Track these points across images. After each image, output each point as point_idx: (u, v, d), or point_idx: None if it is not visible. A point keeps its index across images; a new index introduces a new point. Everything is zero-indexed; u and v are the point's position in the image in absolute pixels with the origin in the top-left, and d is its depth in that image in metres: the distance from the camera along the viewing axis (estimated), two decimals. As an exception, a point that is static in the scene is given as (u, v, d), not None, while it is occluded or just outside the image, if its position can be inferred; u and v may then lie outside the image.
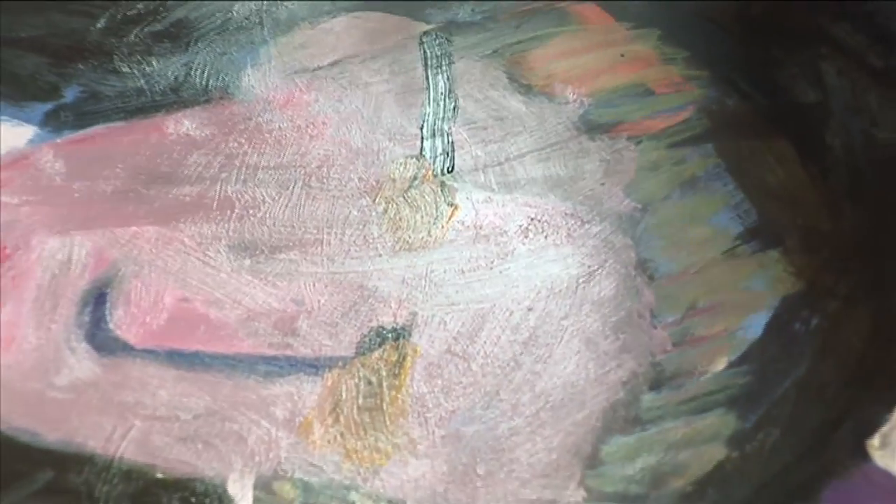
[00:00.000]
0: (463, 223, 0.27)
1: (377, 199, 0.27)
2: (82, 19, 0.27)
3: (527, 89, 0.28)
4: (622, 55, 0.29)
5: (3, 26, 0.27)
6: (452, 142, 0.28)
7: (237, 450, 0.24)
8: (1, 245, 0.26)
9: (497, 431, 0.24)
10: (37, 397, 0.24)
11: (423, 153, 0.28)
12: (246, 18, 0.29)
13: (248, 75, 0.28)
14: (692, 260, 0.26)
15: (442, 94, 0.28)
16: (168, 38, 0.28)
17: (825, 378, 0.24)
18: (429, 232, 0.27)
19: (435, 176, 0.27)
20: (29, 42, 0.27)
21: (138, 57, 0.28)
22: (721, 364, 0.25)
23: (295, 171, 0.27)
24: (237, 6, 0.29)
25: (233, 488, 0.24)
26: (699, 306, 0.26)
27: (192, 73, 0.28)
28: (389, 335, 0.25)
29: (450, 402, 0.25)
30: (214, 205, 0.27)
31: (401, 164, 0.28)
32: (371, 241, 0.27)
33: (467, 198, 0.27)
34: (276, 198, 0.27)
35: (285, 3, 0.29)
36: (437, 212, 0.27)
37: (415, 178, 0.27)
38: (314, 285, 0.26)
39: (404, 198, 0.27)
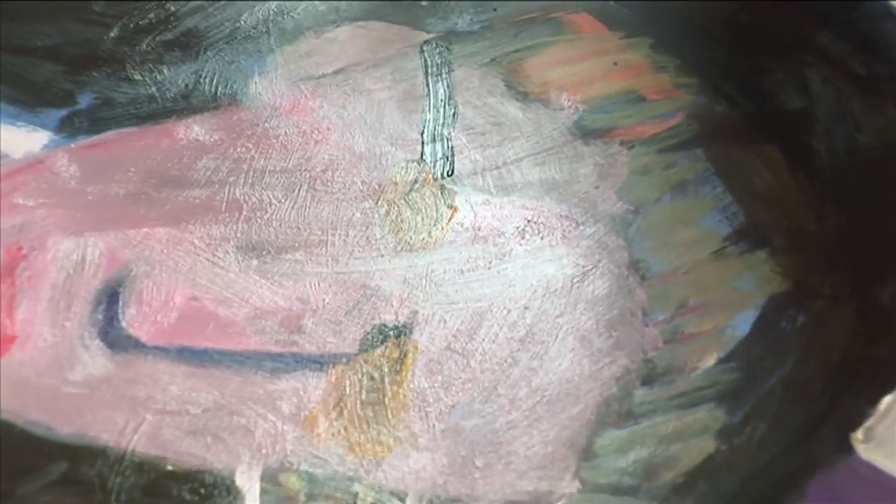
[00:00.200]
0: (462, 225, 0.27)
1: (379, 202, 0.27)
2: (96, 29, 0.27)
3: (523, 96, 0.28)
4: (615, 63, 0.28)
5: (20, 35, 0.27)
6: (452, 147, 0.28)
7: (245, 443, 0.24)
8: (18, 246, 0.26)
9: (495, 425, 0.25)
10: (52, 392, 0.24)
11: (424, 157, 0.28)
12: (253, 28, 0.28)
13: (256, 83, 0.28)
14: (682, 260, 0.26)
15: (442, 100, 0.28)
16: (179, 47, 0.28)
17: (811, 374, 0.24)
18: (429, 233, 0.27)
19: (435, 179, 0.28)
20: (45, 51, 0.27)
21: (150, 65, 0.28)
22: (710, 361, 0.25)
23: (300, 174, 0.27)
24: (245, 16, 0.28)
25: (240, 480, 0.24)
26: (689, 305, 0.26)
27: (202, 80, 0.28)
28: (391, 332, 0.26)
29: (449, 396, 0.25)
30: (223, 207, 0.27)
31: (402, 168, 0.28)
32: (374, 242, 0.27)
33: (466, 200, 0.27)
34: (283, 200, 0.27)
35: (291, 13, 0.29)
36: (437, 214, 0.27)
37: (416, 181, 0.28)
38: (319, 285, 0.26)
39: (406, 200, 0.27)
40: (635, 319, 0.26)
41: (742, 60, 0.28)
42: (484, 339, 0.26)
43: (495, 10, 0.29)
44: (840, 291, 0.25)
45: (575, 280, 0.26)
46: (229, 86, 0.28)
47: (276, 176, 0.27)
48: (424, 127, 0.28)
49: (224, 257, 0.26)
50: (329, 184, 0.27)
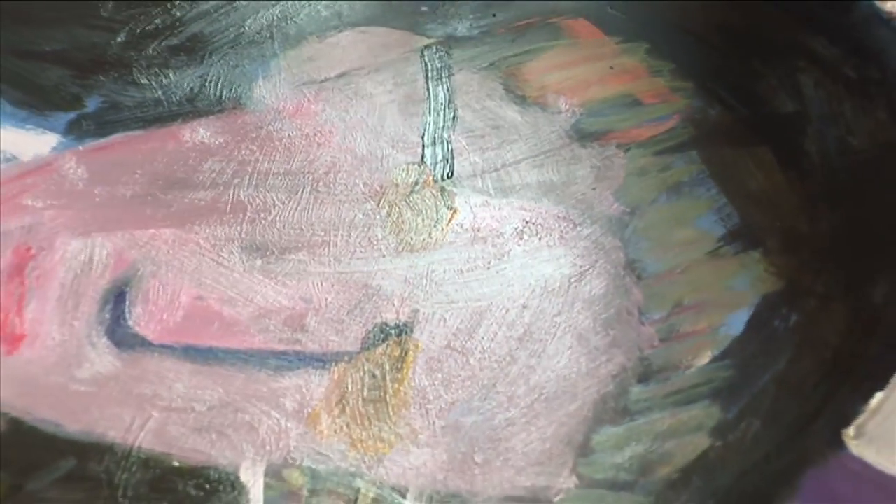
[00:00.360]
0: (462, 226, 0.27)
1: (381, 203, 0.27)
2: (103, 34, 0.27)
3: (522, 100, 0.28)
4: (611, 68, 0.29)
5: (29, 40, 0.27)
6: (452, 149, 0.28)
7: (249, 439, 0.24)
8: (27, 246, 0.26)
9: (494, 422, 0.25)
10: (60, 390, 0.24)
11: (424, 160, 0.28)
12: (257, 33, 0.29)
13: (260, 87, 0.28)
14: (678, 260, 0.27)
15: (442, 104, 0.28)
16: (184, 51, 0.28)
17: (803, 372, 0.25)
18: (429, 234, 0.27)
19: (435, 181, 0.28)
20: (53, 55, 0.27)
21: (156, 69, 0.28)
22: (705, 359, 0.25)
23: (303, 176, 0.27)
24: (249, 22, 0.28)
25: (245, 476, 0.24)
26: (684, 304, 0.26)
27: (207, 84, 0.28)
28: (392, 331, 0.26)
29: (449, 394, 0.25)
30: (228, 208, 0.27)
31: (403, 170, 0.28)
32: (375, 242, 0.27)
33: (466, 202, 0.27)
34: (286, 202, 0.27)
35: (294, 18, 0.29)
36: (437, 215, 0.27)
37: (416, 183, 0.28)
38: (322, 284, 0.26)
39: (406, 202, 0.27)
40: (631, 318, 0.26)
41: (736, 65, 0.28)
42: (483, 338, 0.26)
43: (494, 15, 0.29)
44: (832, 291, 0.26)
45: (572, 280, 0.26)
46: (234, 90, 0.28)
47: (279, 178, 0.27)
48: (425, 130, 0.28)
49: (229, 257, 0.26)
50: (331, 185, 0.27)
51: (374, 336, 0.26)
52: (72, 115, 0.27)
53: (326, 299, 0.26)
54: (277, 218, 0.27)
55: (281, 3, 0.29)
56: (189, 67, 0.28)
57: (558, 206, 0.27)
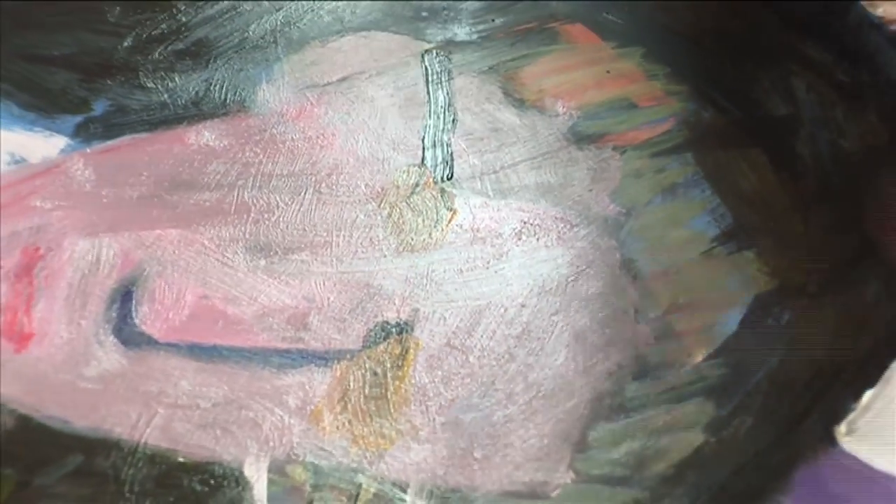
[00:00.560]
0: (461, 226, 0.27)
1: (382, 205, 0.27)
2: (110, 38, 0.28)
3: (520, 103, 0.29)
4: (608, 71, 0.29)
5: (37, 45, 0.27)
6: (451, 151, 0.28)
7: (253, 435, 0.25)
8: (35, 247, 0.26)
9: (493, 419, 0.25)
10: (68, 387, 0.25)
11: (425, 162, 0.28)
12: (261, 38, 0.29)
13: (263, 90, 0.28)
14: (673, 260, 0.27)
15: (442, 107, 0.29)
16: (189, 55, 0.28)
17: (795, 370, 0.25)
18: (429, 234, 0.27)
19: (435, 183, 0.28)
20: (61, 59, 0.27)
21: (162, 73, 0.28)
22: (699, 357, 0.25)
23: (306, 178, 0.28)
24: (253, 27, 0.29)
25: (249, 471, 0.24)
26: (679, 303, 0.26)
27: (212, 88, 0.28)
28: (393, 330, 0.26)
29: (449, 391, 0.25)
30: (232, 209, 0.27)
31: (404, 172, 0.28)
32: (376, 242, 0.27)
33: (465, 203, 0.28)
34: (289, 203, 0.27)
35: (297, 23, 0.29)
36: (437, 216, 0.27)
37: (417, 184, 0.28)
38: (324, 284, 0.26)
39: (407, 203, 0.28)
40: (627, 317, 0.26)
41: (730, 69, 0.28)
42: (482, 336, 0.26)
43: (493, 20, 0.29)
44: (823, 290, 0.26)
45: (570, 279, 0.27)
46: (238, 93, 0.28)
47: (283, 180, 0.28)
48: (425, 132, 0.28)
49: (233, 257, 0.27)
50: (334, 187, 0.28)
51: (376, 334, 0.26)
52: (79, 118, 0.28)
53: (329, 298, 0.26)
54: (281, 219, 0.27)
55: (284, 8, 0.29)
56: (194, 71, 0.28)
57: (556, 208, 0.28)
